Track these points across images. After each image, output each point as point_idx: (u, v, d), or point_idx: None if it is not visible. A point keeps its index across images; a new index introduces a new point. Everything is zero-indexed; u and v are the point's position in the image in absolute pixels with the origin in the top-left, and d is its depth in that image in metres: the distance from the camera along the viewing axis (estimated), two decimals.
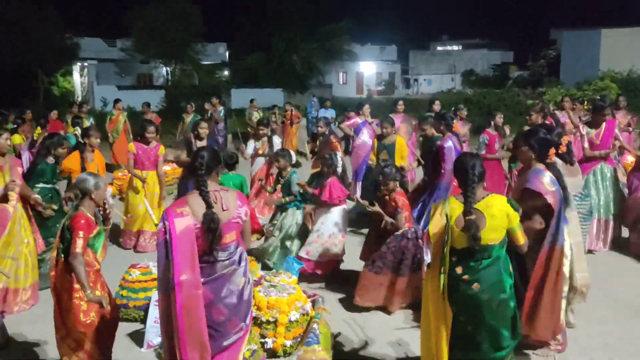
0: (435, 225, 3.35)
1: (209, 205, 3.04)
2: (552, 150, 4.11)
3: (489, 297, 3.28)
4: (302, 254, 5.84)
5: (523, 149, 4.12)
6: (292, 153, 6.72)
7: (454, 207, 3.33)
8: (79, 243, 3.47)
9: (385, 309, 5.13)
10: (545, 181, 3.92)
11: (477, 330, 3.33)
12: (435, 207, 3.44)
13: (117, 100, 13.48)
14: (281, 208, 6.30)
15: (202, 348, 2.99)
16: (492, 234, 3.26)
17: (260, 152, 8.55)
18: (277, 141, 8.76)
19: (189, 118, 12.93)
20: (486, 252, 3.29)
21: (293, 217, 6.19)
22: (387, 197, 5.23)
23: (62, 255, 3.60)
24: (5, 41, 25.19)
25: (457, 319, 3.32)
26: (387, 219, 5.12)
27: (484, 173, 3.39)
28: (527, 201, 3.87)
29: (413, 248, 5.06)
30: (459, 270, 3.31)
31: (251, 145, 8.65)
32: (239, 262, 3.19)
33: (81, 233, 3.49)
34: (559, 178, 4.04)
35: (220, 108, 13.77)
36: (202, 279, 3.01)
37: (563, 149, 4.32)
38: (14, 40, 25.33)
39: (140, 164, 7.06)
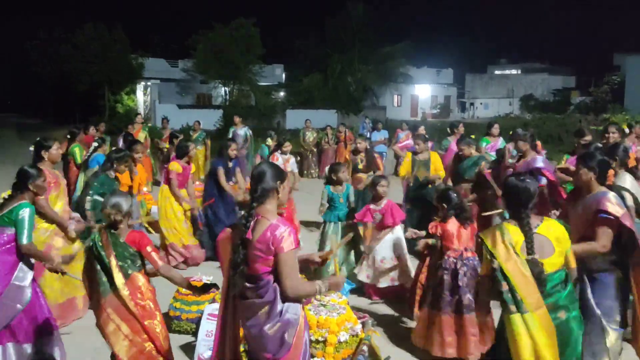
0: (504, 257, 3.09)
1: (239, 237, 2.84)
2: (611, 172, 3.97)
3: (566, 317, 3.13)
4: (362, 277, 5.74)
5: (582, 171, 3.89)
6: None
7: (515, 233, 3.12)
8: (156, 256, 3.60)
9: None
10: (616, 202, 3.70)
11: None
12: (492, 235, 3.17)
13: (137, 114, 12.59)
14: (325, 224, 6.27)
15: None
16: (559, 258, 3.13)
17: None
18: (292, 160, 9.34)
19: (195, 135, 12.69)
20: (556, 274, 3.14)
21: (336, 235, 6.00)
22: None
23: (130, 272, 3.58)
24: (81, 63, 26.86)
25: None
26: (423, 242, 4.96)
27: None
28: (602, 225, 3.65)
29: (468, 280, 4.55)
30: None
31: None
32: (266, 299, 2.82)
33: (149, 247, 3.62)
34: (622, 198, 3.89)
35: (243, 127, 13.27)
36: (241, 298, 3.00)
37: (633, 162, 4.17)
38: (88, 62, 26.91)
39: (180, 184, 7.08)
